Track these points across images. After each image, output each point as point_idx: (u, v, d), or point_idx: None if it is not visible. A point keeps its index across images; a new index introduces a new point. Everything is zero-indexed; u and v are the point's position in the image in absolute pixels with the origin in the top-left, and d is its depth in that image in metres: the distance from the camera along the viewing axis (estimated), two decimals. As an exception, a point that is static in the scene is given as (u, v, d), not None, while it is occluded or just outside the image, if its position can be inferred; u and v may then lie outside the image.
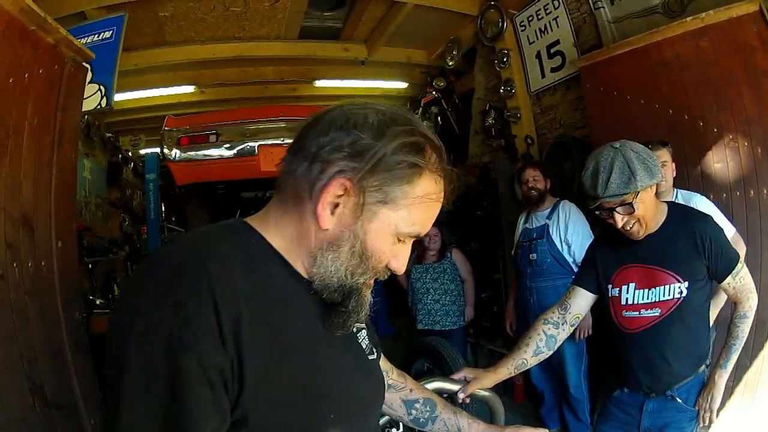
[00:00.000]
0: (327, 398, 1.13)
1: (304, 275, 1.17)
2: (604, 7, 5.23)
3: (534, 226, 4.76)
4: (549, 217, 4.71)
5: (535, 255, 4.68)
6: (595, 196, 2.34)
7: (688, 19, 4.33)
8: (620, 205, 2.32)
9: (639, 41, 4.72)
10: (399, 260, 1.20)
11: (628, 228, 2.38)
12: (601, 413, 2.88)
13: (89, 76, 4.37)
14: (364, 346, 1.37)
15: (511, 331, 5.19)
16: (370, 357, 1.38)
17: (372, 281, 1.21)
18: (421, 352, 4.52)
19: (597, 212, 2.42)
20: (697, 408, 2.53)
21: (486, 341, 6.78)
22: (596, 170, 2.33)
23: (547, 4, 5.88)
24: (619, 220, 2.35)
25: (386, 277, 1.23)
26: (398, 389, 1.73)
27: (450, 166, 1.22)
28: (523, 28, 6.26)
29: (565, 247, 4.59)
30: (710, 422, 2.51)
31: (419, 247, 5.74)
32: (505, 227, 6.03)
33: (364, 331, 1.40)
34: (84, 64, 3.95)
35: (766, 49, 3.94)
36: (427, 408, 1.75)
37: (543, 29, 6.02)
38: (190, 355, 0.92)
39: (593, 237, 3.76)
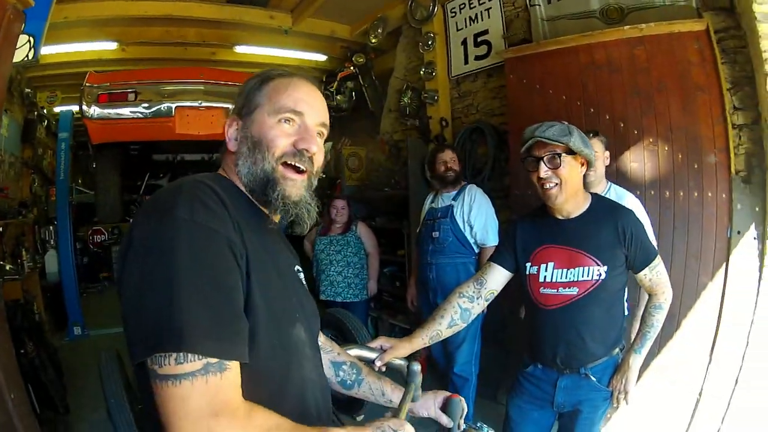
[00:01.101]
0: (293, 300, 1.32)
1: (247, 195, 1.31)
2: (539, 5, 4.84)
3: (440, 205, 4.43)
4: (455, 199, 4.38)
5: (437, 233, 4.35)
6: (531, 136, 2.26)
7: (626, 27, 4.06)
8: (549, 156, 2.23)
9: (571, 41, 4.37)
10: (305, 141, 1.31)
11: (548, 186, 2.26)
12: (513, 387, 2.66)
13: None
14: (304, 282, 1.47)
15: (412, 306, 4.84)
16: (308, 293, 1.46)
17: (293, 172, 1.31)
18: (326, 322, 3.90)
19: (525, 159, 2.32)
20: (611, 388, 2.43)
21: (388, 315, 6.34)
22: (540, 124, 2.28)
23: (484, -6, 5.30)
24: (543, 170, 2.24)
25: (305, 159, 1.31)
26: (326, 351, 1.71)
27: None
28: (454, 14, 5.74)
29: (467, 228, 4.27)
30: (626, 403, 2.41)
31: (326, 218, 5.36)
32: (412, 205, 5.54)
33: (301, 274, 1.48)
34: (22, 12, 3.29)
35: (704, 66, 3.70)
36: (354, 371, 1.74)
37: (474, 18, 5.52)
38: (220, 235, 1.09)
39: (497, 221, 4.24)
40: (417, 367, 1.82)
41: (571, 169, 2.26)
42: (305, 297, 1.42)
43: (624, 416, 3.65)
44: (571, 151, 2.24)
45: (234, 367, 1.02)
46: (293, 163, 1.30)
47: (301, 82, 1.35)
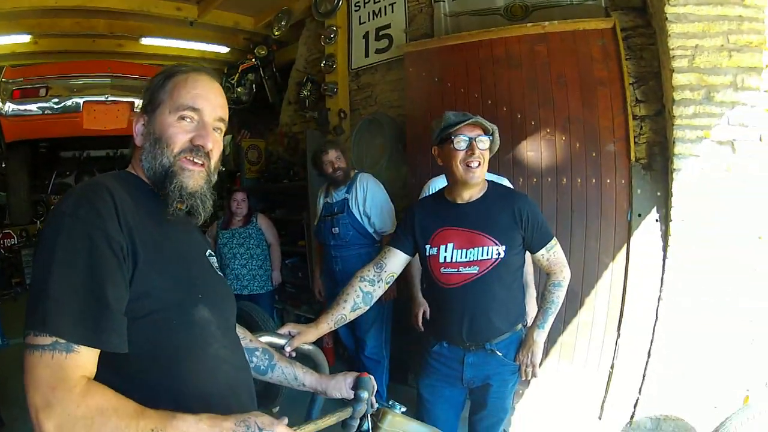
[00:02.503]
0: (196, 283, 1.20)
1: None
2: (444, 1, 4.28)
3: (334, 200, 3.80)
4: (348, 191, 3.75)
5: (337, 228, 3.74)
6: (462, 120, 2.08)
7: (529, 24, 3.67)
8: (481, 135, 2.09)
9: (471, 36, 3.89)
10: (201, 137, 1.20)
11: (474, 165, 2.07)
12: (422, 368, 2.39)
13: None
14: (215, 267, 1.35)
15: (320, 297, 4.22)
16: (219, 274, 1.35)
17: (192, 164, 1.20)
18: None
19: (454, 137, 2.09)
20: (518, 363, 2.23)
21: (292, 306, 5.58)
22: (457, 113, 2.14)
23: (388, -11, 4.74)
24: (476, 149, 2.07)
25: (201, 154, 1.21)
26: (240, 338, 1.43)
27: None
28: (357, 8, 5.02)
29: (365, 219, 3.70)
30: (533, 375, 2.21)
31: (227, 212, 4.77)
32: (311, 196, 4.83)
33: (214, 258, 1.36)
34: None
35: (607, 62, 3.40)
36: (266, 357, 1.56)
37: (377, 12, 4.83)
38: (98, 231, 1.01)
39: (392, 206, 3.74)
40: (365, 394, 1.53)
41: (489, 152, 2.14)
42: (215, 279, 1.32)
43: (537, 394, 3.40)
44: (492, 139, 2.14)
45: (83, 351, 0.96)
46: (190, 158, 1.20)
47: (200, 77, 1.25)
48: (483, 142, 2.07)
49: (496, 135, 2.13)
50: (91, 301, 0.98)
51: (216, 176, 1.31)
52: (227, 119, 1.29)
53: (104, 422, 0.91)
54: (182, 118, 1.20)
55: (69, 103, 5.27)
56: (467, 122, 2.07)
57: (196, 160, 1.21)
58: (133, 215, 1.08)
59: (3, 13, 5.13)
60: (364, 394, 1.48)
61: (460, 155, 2.07)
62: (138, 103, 5.45)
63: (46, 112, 5.23)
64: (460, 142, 2.07)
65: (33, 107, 5.20)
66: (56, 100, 5.22)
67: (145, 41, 6.70)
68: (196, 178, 1.22)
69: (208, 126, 1.22)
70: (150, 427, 0.93)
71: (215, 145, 1.24)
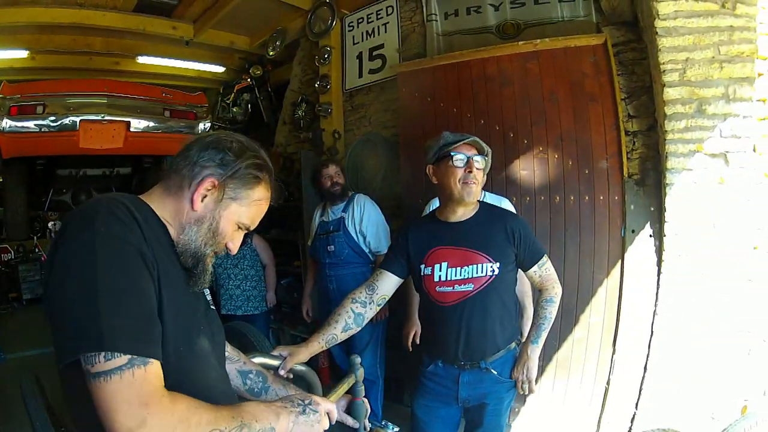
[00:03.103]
0: (197, 315, 1.24)
1: (173, 239, 1.22)
2: (436, 21, 4.27)
3: (330, 219, 3.80)
4: (345, 210, 3.78)
5: (333, 247, 3.73)
6: (460, 139, 2.10)
7: (521, 42, 3.64)
8: (477, 154, 2.11)
9: (463, 56, 3.86)
10: (234, 243, 1.29)
11: (473, 183, 2.08)
12: (416, 388, 2.38)
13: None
14: (209, 300, 1.40)
15: (308, 317, 4.22)
16: (212, 307, 1.40)
17: (213, 255, 1.27)
18: (228, 336, 3.08)
19: (452, 154, 2.09)
20: (513, 379, 2.22)
21: (288, 326, 5.46)
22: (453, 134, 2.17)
23: (381, 9, 4.72)
24: (475, 164, 2.08)
25: (223, 253, 1.30)
26: (234, 361, 1.55)
27: (277, 181, 1.36)
28: (351, 28, 5.00)
29: (360, 238, 3.70)
30: (530, 391, 2.20)
31: None
32: (306, 217, 4.79)
33: (207, 291, 1.39)
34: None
35: (598, 78, 3.36)
36: (260, 379, 1.56)
37: (370, 32, 4.82)
38: (133, 247, 1.02)
39: (387, 227, 3.74)
40: (357, 359, 1.73)
41: (483, 173, 2.16)
42: (210, 312, 1.36)
43: (533, 411, 3.34)
44: (485, 157, 2.15)
45: (155, 362, 0.97)
46: (217, 253, 1.29)
47: (267, 203, 1.32)
48: (479, 162, 2.10)
49: (490, 156, 2.15)
50: (142, 315, 0.99)
51: None
52: None
53: (198, 421, 0.97)
54: (239, 228, 1.28)
55: (66, 121, 5.16)
56: (465, 141, 2.09)
57: (218, 254, 1.30)
58: (150, 239, 1.09)
59: (0, 27, 5.12)
60: (357, 423, 1.53)
61: (459, 173, 2.08)
62: (135, 123, 5.43)
63: (43, 129, 5.11)
64: (458, 161, 2.08)
65: (30, 124, 5.08)
66: (53, 117, 5.10)
67: (142, 60, 6.67)
68: (211, 266, 1.28)
69: (242, 236, 1.32)
70: (231, 415, 1.03)
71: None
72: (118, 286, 0.97)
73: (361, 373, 1.71)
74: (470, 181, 2.07)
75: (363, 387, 1.75)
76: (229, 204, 1.22)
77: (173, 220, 1.21)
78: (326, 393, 1.58)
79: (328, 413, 1.27)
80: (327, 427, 1.26)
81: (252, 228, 1.30)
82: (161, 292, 1.06)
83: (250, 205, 1.25)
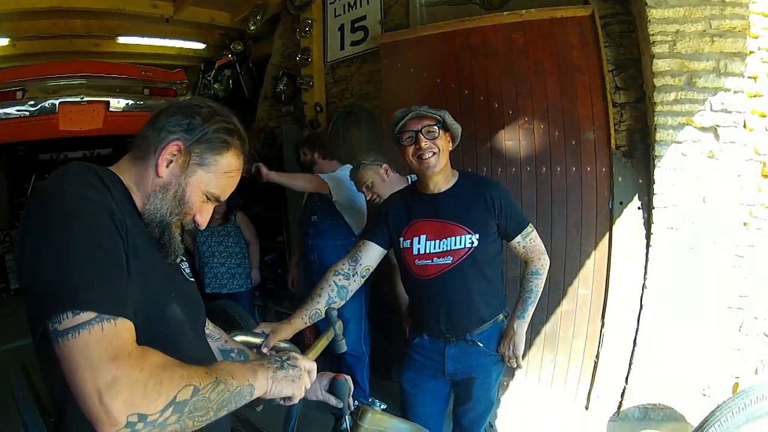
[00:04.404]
0: (169, 282, 1.17)
1: (139, 209, 1.15)
2: None
3: None
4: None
5: (315, 216, 3.65)
6: (404, 115, 2.02)
7: (505, 13, 3.51)
8: (426, 128, 1.99)
9: (447, 26, 3.72)
10: (202, 216, 1.22)
11: (426, 157, 2.00)
12: (404, 361, 2.30)
13: None
14: (186, 273, 1.31)
15: (293, 287, 4.20)
16: (190, 279, 1.32)
17: (179, 224, 1.19)
18: (212, 314, 2.98)
19: (400, 135, 2.04)
20: (500, 353, 2.15)
21: (273, 303, 5.33)
22: (409, 107, 2.04)
23: (363, -19, 4.55)
24: (423, 141, 1.99)
25: (190, 227, 1.23)
26: (215, 339, 1.48)
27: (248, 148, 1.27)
28: (333, 1, 4.80)
29: (343, 209, 3.55)
30: (518, 366, 2.17)
31: None
32: (288, 191, 4.70)
33: (186, 262, 1.32)
34: None
35: (585, 50, 3.25)
36: (242, 358, 1.50)
37: (352, 4, 4.62)
38: (106, 209, 0.97)
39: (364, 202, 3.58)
40: (334, 312, 1.71)
41: (444, 141, 2.05)
42: (186, 283, 1.29)
43: (522, 385, 3.30)
44: (444, 126, 2.05)
45: (126, 320, 0.90)
46: (183, 224, 1.22)
47: (239, 174, 1.25)
48: (431, 132, 2.01)
49: (448, 120, 2.04)
50: (113, 273, 0.94)
51: None
52: None
53: (171, 376, 0.89)
54: (207, 199, 1.21)
55: (45, 104, 5.06)
56: (410, 117, 2.03)
57: (185, 226, 1.23)
58: (119, 204, 1.05)
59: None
60: (341, 402, 1.44)
61: (410, 150, 2.03)
62: (114, 102, 5.28)
63: (23, 114, 5.01)
64: (407, 140, 2.03)
65: (11, 110, 4.97)
66: (32, 102, 5.00)
67: (122, 40, 6.43)
68: (177, 233, 1.22)
69: (212, 209, 1.25)
70: (205, 371, 0.96)
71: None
72: (88, 245, 0.92)
73: (339, 325, 1.67)
74: (424, 154, 2.00)
75: (344, 340, 1.72)
76: (195, 170, 1.15)
77: (139, 189, 1.15)
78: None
79: (308, 371, 1.21)
80: (308, 384, 1.20)
81: (222, 199, 1.23)
82: (129, 257, 1.00)
83: (218, 173, 1.18)
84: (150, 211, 1.13)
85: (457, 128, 2.10)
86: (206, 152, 1.15)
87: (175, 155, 1.13)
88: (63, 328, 0.84)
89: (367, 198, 3.14)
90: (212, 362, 1.23)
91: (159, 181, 1.14)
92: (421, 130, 1.99)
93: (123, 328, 0.89)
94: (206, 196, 1.19)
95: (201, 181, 1.16)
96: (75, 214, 0.94)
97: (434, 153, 2.00)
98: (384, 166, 3.02)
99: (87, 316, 0.85)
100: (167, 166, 1.13)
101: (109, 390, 0.80)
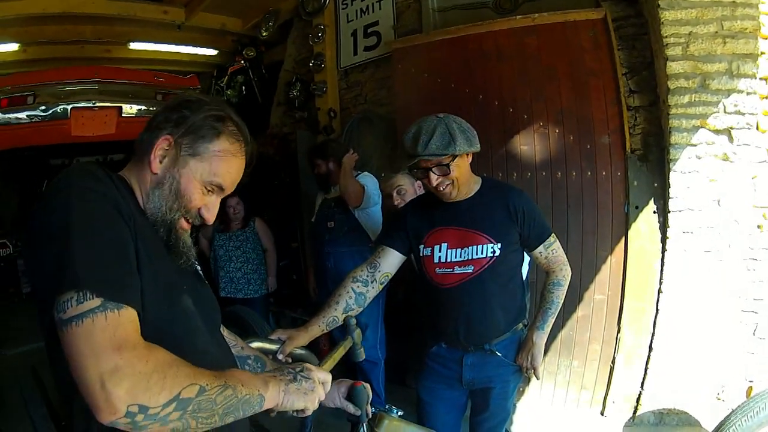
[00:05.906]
0: (179, 276, 1.16)
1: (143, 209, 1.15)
2: None
3: (332, 195, 3.68)
4: None
5: (332, 223, 3.61)
6: (413, 155, 1.91)
7: (518, 17, 3.56)
8: (437, 165, 1.91)
9: (460, 31, 3.75)
10: (209, 210, 1.20)
11: (442, 189, 1.96)
12: (420, 370, 2.29)
13: None
14: (201, 275, 1.33)
15: (314, 293, 4.15)
16: (206, 282, 1.33)
17: (187, 225, 1.19)
18: (227, 321, 3.01)
19: (414, 170, 2.00)
20: (518, 364, 2.12)
21: (288, 309, 5.33)
22: (418, 133, 1.91)
23: (375, -14, 4.62)
24: (434, 179, 1.93)
25: (198, 222, 1.21)
26: (231, 346, 1.41)
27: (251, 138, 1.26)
28: (345, 6, 4.87)
29: (361, 216, 3.55)
30: (535, 378, 2.14)
31: (224, 216, 4.47)
32: (302, 197, 4.76)
33: (199, 268, 1.33)
34: None
35: (598, 53, 3.27)
36: (258, 365, 1.48)
37: (365, 9, 4.68)
38: (108, 198, 0.99)
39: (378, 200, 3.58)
40: (353, 320, 1.68)
41: (460, 169, 1.95)
42: (196, 278, 1.28)
43: (539, 391, 3.30)
44: (448, 162, 1.95)
45: (131, 309, 0.90)
46: (190, 220, 1.20)
47: (242, 161, 1.22)
48: (442, 169, 1.91)
49: (460, 150, 1.88)
50: (119, 262, 0.95)
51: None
52: None
53: (176, 373, 0.89)
54: (208, 191, 1.19)
55: (57, 109, 5.05)
56: (416, 161, 1.92)
57: (192, 222, 1.21)
58: (126, 199, 1.07)
59: (-7, 21, 5.00)
60: (359, 409, 1.43)
61: (425, 181, 1.99)
62: (126, 108, 5.33)
63: (34, 119, 5.01)
64: (419, 173, 1.99)
65: (21, 115, 4.97)
66: (44, 107, 4.99)
67: (134, 46, 6.49)
68: (185, 234, 1.22)
69: (218, 203, 1.24)
70: (214, 375, 0.95)
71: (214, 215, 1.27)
72: (94, 234, 0.93)
73: (358, 334, 1.67)
74: (439, 187, 1.95)
75: (362, 349, 1.71)
76: (187, 161, 1.14)
77: (141, 190, 1.16)
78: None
79: (322, 383, 1.18)
80: (322, 397, 1.17)
81: (225, 188, 1.20)
82: (139, 249, 1.01)
83: (211, 159, 1.16)
84: (151, 209, 1.14)
85: (476, 147, 1.98)
86: (196, 141, 1.15)
87: (167, 149, 1.14)
88: (67, 316, 0.85)
89: (395, 203, 3.11)
90: (228, 360, 1.27)
91: (155, 178, 1.15)
92: (433, 169, 1.92)
93: (128, 319, 0.90)
94: (205, 187, 1.17)
95: (195, 171, 1.15)
96: (80, 204, 0.95)
97: (449, 184, 1.95)
98: (419, 182, 2.92)
99: (92, 303, 0.86)
100: (161, 162, 1.14)
101: (111, 377, 0.81)
